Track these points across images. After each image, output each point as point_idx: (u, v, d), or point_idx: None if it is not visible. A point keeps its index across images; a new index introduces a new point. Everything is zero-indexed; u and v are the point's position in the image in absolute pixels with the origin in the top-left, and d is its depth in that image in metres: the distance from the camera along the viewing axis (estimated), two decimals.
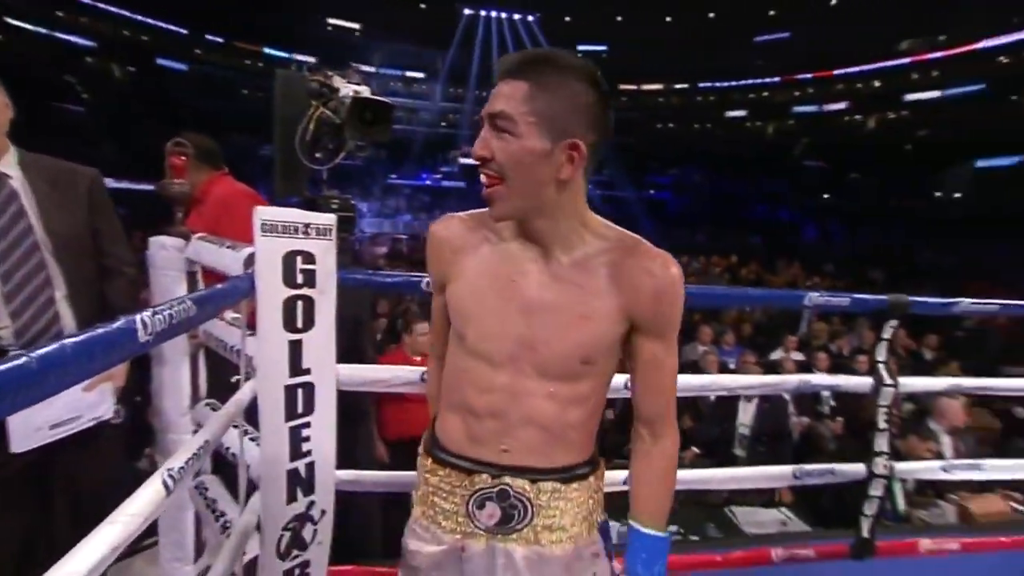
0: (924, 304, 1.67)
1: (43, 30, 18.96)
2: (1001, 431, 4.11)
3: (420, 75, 28.71)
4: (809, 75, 26.29)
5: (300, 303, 1.18)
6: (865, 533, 1.68)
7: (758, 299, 1.58)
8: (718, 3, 24.52)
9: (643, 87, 29.31)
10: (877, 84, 25.12)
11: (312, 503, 1.25)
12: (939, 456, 2.99)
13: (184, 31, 23.52)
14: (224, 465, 1.52)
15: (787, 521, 2.69)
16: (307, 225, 1.18)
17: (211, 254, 1.43)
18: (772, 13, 24.89)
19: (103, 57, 20.90)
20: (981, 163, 19.95)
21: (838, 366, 4.90)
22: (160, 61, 22.98)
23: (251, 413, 1.23)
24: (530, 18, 27.27)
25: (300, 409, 1.20)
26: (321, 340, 1.23)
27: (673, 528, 2.53)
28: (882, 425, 1.61)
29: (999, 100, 20.90)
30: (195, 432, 1.42)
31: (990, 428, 4.04)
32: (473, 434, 0.86)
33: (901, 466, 1.71)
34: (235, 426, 1.29)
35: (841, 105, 26.06)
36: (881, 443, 1.62)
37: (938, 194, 20.62)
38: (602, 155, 0.83)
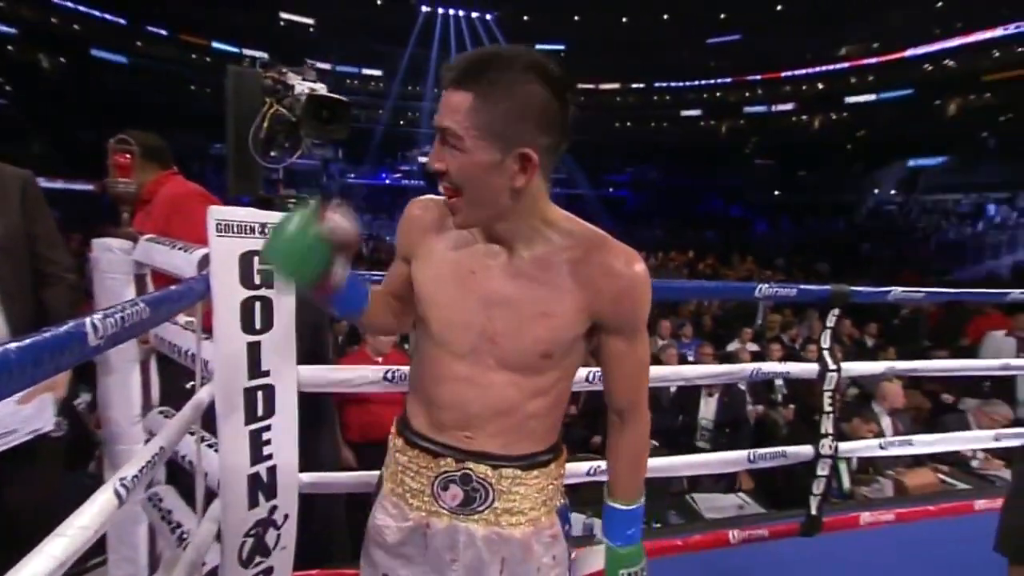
0: (861, 293, 1.78)
1: None
2: (931, 410, 4.44)
3: (377, 72, 28.21)
4: (758, 76, 27.35)
5: (258, 304, 1.15)
6: (813, 511, 1.78)
7: (713, 291, 1.65)
8: (672, 5, 25.16)
9: (601, 86, 29.77)
10: (820, 86, 26.41)
11: (275, 507, 1.23)
12: (880, 435, 3.20)
13: (123, 21, 22.25)
14: (180, 474, 1.47)
15: (744, 505, 2.79)
16: (263, 225, 1.15)
17: (162, 256, 1.37)
18: (723, 16, 25.75)
19: (28, 46, 19.48)
20: (912, 162, 21.32)
21: (790, 355, 5.13)
22: (96, 52, 21.67)
23: (208, 419, 1.19)
24: (488, 17, 27.24)
25: (260, 412, 1.18)
26: (280, 341, 1.20)
27: None
28: (827, 408, 1.71)
29: (925, 104, 22.43)
30: (147, 441, 1.37)
31: (922, 407, 4.35)
32: (437, 421, 0.88)
33: (844, 445, 1.83)
34: (191, 433, 1.26)
35: (788, 106, 27.28)
36: (827, 425, 1.72)
37: (876, 191, 21.88)
38: (563, 151, 0.82)
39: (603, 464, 1.56)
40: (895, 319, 7.01)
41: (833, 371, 1.70)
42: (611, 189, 27.16)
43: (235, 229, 1.10)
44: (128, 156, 1.53)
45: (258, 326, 1.16)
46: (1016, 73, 19.55)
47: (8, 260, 1.40)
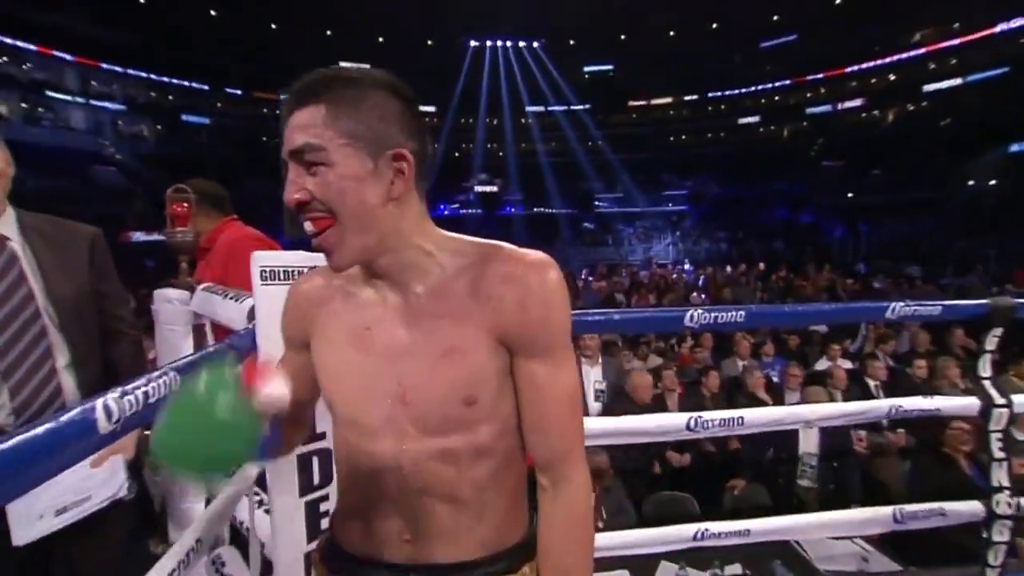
0: None
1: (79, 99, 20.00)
2: None
3: (431, 108, 29.33)
4: (820, 75, 25.97)
5: None
6: None
7: (833, 314, 1.39)
8: (720, 13, 24.54)
9: (652, 102, 29.35)
10: (892, 78, 24.65)
11: None
12: None
13: (206, 87, 24.63)
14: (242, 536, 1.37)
15: (867, 556, 2.37)
16: (315, 268, 1.04)
17: (216, 305, 1.30)
18: (776, 18, 24.79)
19: (133, 118, 22.04)
20: (1015, 147, 19.22)
21: (896, 374, 4.56)
22: (185, 117, 24.11)
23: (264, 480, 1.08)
24: (535, 44, 27.72)
25: (316, 480, 1.05)
26: None
27: (736, 568, 2.27)
28: (998, 454, 1.37)
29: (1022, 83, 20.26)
30: (208, 500, 1.28)
31: None
32: (369, 526, 0.72)
33: None
34: (247, 495, 1.14)
35: (856, 102, 25.61)
36: (1000, 476, 1.37)
37: (971, 183, 19.87)
38: (430, 165, 0.73)
39: (711, 527, 1.32)
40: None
41: (1002, 407, 1.36)
42: (671, 205, 26.42)
43: (282, 276, 0.99)
44: (185, 205, 1.49)
45: None
46: None
47: (78, 322, 1.37)
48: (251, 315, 1.03)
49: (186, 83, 23.95)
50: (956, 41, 22.42)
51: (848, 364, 4.78)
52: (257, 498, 1.13)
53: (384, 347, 0.70)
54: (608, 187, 26.55)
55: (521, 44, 27.85)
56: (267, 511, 1.14)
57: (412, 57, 27.07)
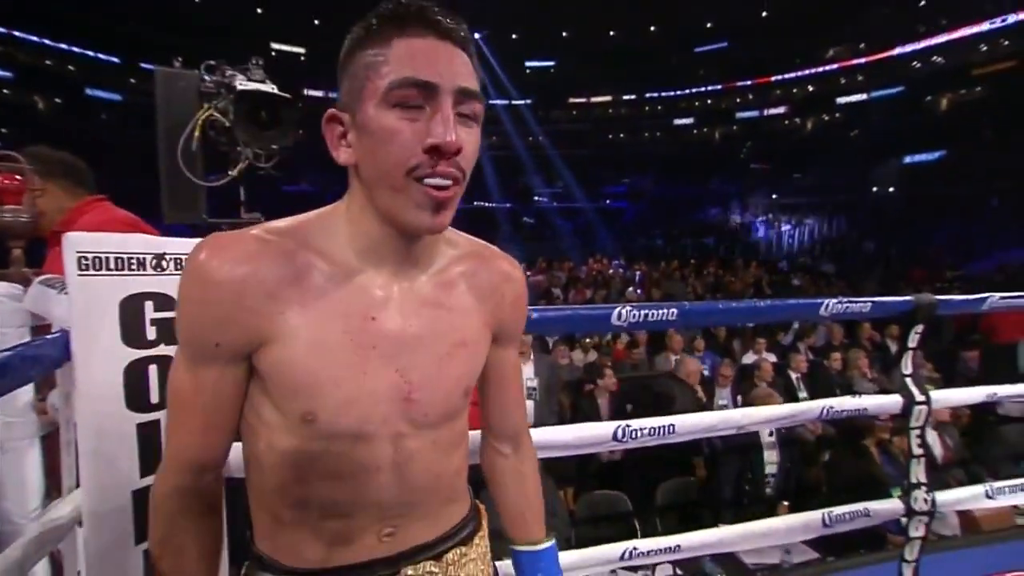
0: (952, 303, 1.45)
1: None
2: (970, 419, 4.06)
3: None
4: (749, 82, 27.39)
5: (154, 368, 0.82)
6: None
7: (770, 312, 1.37)
8: (659, 16, 25.26)
9: (592, 99, 29.83)
10: (810, 88, 26.42)
11: None
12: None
13: (117, 60, 22.35)
14: None
15: (789, 548, 2.41)
16: (160, 256, 0.82)
17: (50, 302, 1.04)
18: (709, 25, 25.85)
19: (24, 89, 19.65)
20: (908, 159, 21.20)
21: (814, 366, 4.79)
22: (90, 92, 21.77)
23: None
24: (477, 35, 27.39)
25: None
26: None
27: (668, 569, 2.24)
28: (917, 451, 1.37)
29: (916, 100, 22.43)
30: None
31: (961, 416, 3.97)
32: (339, 537, 0.66)
33: (943, 497, 1.47)
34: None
35: (780, 109, 27.25)
36: (918, 473, 1.37)
37: (874, 189, 21.69)
38: None
39: (640, 545, 1.23)
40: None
41: (921, 403, 1.36)
42: (608, 201, 27.01)
43: (111, 264, 0.77)
44: (18, 178, 1.21)
45: (155, 399, 0.82)
46: (1006, 66, 19.53)
47: None
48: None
49: (90, 54, 21.60)
50: (863, 60, 24.39)
51: (772, 357, 4.98)
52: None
53: (391, 339, 0.63)
54: (547, 182, 26.73)
55: None
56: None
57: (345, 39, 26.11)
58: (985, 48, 20.79)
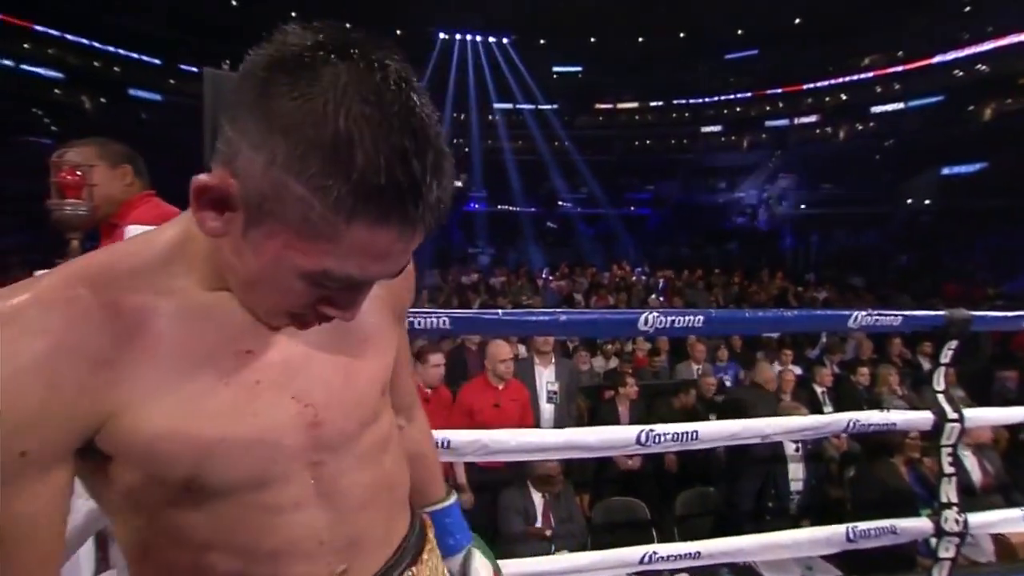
0: (987, 319, 1.42)
1: (8, 62, 18.61)
2: (1009, 442, 3.92)
3: None
4: (779, 90, 26.95)
5: None
6: None
7: (796, 322, 1.36)
8: (688, 23, 25.05)
9: (619, 106, 29.72)
10: (844, 97, 25.84)
11: None
12: (964, 475, 2.77)
13: (157, 62, 23.25)
14: None
15: (811, 564, 2.37)
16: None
17: None
18: (740, 32, 25.52)
19: (72, 89, 20.51)
20: (946, 170, 20.56)
21: (840, 380, 4.69)
22: (133, 92, 22.68)
23: None
24: (505, 40, 27.55)
25: None
26: None
27: None
28: (948, 469, 1.34)
29: (957, 110, 21.74)
30: None
31: (999, 439, 3.83)
32: None
33: (975, 518, 1.43)
34: None
35: (811, 118, 26.73)
36: (949, 492, 1.35)
37: (909, 200, 21.08)
38: None
39: (660, 550, 1.24)
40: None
41: (953, 421, 1.34)
42: (632, 208, 26.84)
43: None
44: (79, 173, 1.29)
45: None
46: None
47: None
48: None
49: (135, 55, 22.43)
50: (900, 68, 23.77)
51: (798, 370, 4.89)
52: None
53: (276, 366, 0.54)
54: (572, 188, 26.70)
55: (491, 39, 27.63)
56: None
57: None
58: None
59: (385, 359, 0.64)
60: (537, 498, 2.57)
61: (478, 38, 27.57)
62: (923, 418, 1.42)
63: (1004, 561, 1.85)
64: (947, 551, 1.38)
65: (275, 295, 0.49)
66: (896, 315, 1.31)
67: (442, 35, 27.29)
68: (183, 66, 22.81)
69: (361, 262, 0.45)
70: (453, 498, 0.86)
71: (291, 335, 0.55)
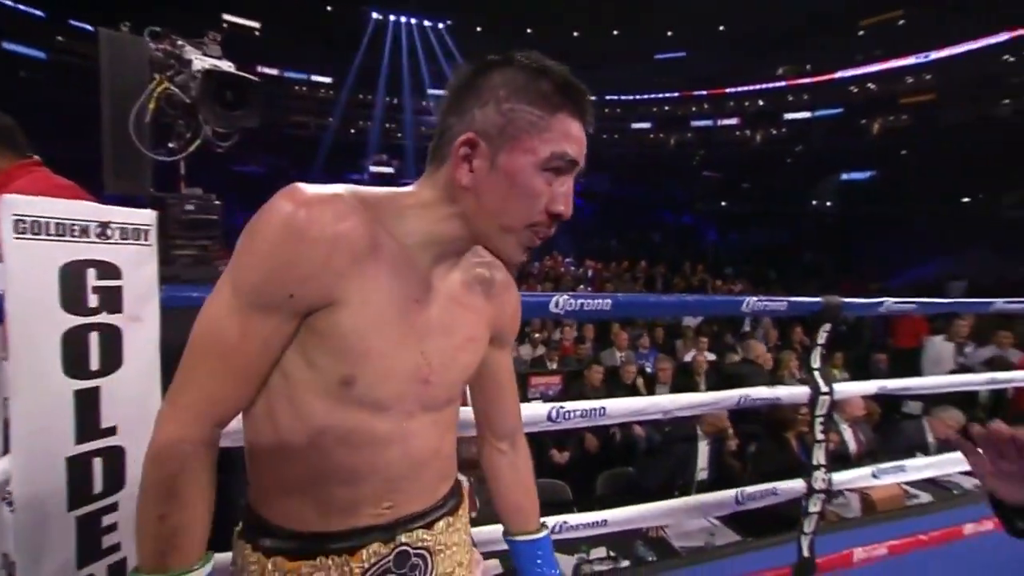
0: (853, 305, 1.61)
1: None
2: (880, 414, 4.49)
3: (327, 79, 27.36)
4: (704, 92, 28.40)
5: (94, 336, 0.82)
6: (806, 552, 1.58)
7: (697, 306, 1.49)
8: (622, 21, 25.78)
9: None
10: (761, 103, 27.72)
11: None
12: (842, 447, 3.14)
13: (41, 14, 20.49)
14: None
15: (714, 531, 2.59)
16: (105, 224, 0.82)
17: None
18: (669, 33, 26.61)
19: None
20: (845, 176, 22.71)
21: (748, 364, 5.09)
22: (8, 46, 19.88)
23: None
24: (440, 25, 27.03)
25: (98, 488, 0.84)
26: (133, 386, 0.87)
27: (601, 551, 2.36)
28: (819, 436, 1.52)
29: (853, 122, 24.08)
30: None
31: (872, 413, 4.36)
32: (340, 505, 0.69)
33: (838, 477, 1.65)
34: None
35: (733, 120, 28.44)
36: (819, 456, 1.53)
37: (814, 202, 23.06)
38: None
39: (570, 519, 1.32)
40: (843, 324, 7.21)
41: (825, 394, 1.52)
42: None
43: (51, 229, 0.77)
44: None
45: (95, 366, 0.82)
46: (927, 98, 21.32)
47: None
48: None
49: (10, 3, 19.59)
50: (808, 80, 25.87)
51: (711, 356, 5.27)
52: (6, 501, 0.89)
53: (425, 324, 0.69)
54: None
55: (426, 23, 27.00)
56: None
57: (307, 21, 25.06)
58: (911, 80, 22.54)
59: (477, 358, 0.78)
60: (463, 482, 2.62)
61: (413, 21, 26.84)
62: (801, 392, 1.60)
63: (866, 515, 2.14)
64: (815, 506, 1.58)
65: (524, 201, 0.65)
66: (781, 301, 1.47)
67: (376, 15, 26.33)
68: (73, 22, 20.37)
69: (568, 144, 0.65)
70: (545, 532, 0.91)
71: (439, 307, 0.71)
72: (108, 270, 0.83)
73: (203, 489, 0.63)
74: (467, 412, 0.93)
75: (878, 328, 7.38)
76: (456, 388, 0.77)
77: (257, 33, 25.46)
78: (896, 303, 1.64)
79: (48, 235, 0.77)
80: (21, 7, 19.78)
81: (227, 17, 24.66)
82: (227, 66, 1.56)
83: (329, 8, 25.89)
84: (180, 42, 1.66)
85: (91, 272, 0.81)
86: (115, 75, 1.53)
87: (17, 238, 0.74)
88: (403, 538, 0.72)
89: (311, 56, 25.88)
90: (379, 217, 0.65)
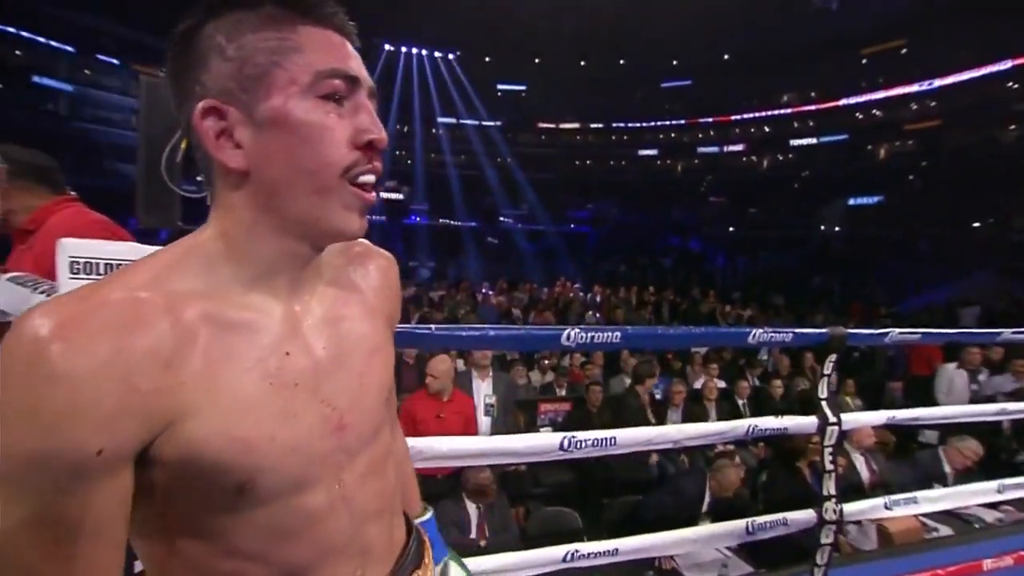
0: (859, 336, 1.64)
1: None
2: (896, 444, 4.44)
3: None
4: (710, 119, 28.79)
5: None
6: None
7: (703, 338, 1.52)
8: (627, 50, 26.35)
9: (561, 125, 30.62)
10: (767, 129, 28.05)
11: None
12: (855, 475, 3.12)
13: (70, 49, 21.38)
14: None
15: (727, 560, 2.56)
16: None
17: (22, 300, 1.07)
18: (675, 62, 27.14)
19: None
20: (852, 200, 22.77)
21: (758, 392, 5.07)
22: (37, 79, 20.69)
23: None
24: (450, 56, 27.78)
25: None
26: None
27: None
28: (829, 467, 1.53)
29: (859, 148, 24.27)
30: None
31: (887, 442, 4.32)
32: None
33: (849, 508, 1.65)
34: None
35: (739, 147, 28.74)
36: (829, 486, 1.54)
37: (822, 227, 23.08)
38: None
39: (581, 548, 1.34)
40: (855, 351, 7.15)
41: (834, 424, 1.54)
42: (572, 225, 27.59)
43: (101, 269, 0.83)
44: None
45: None
46: (932, 124, 21.51)
47: None
48: None
49: (42, 39, 20.33)
50: (812, 107, 26.21)
51: (722, 383, 5.24)
52: None
53: (309, 371, 0.56)
54: (513, 204, 27.09)
55: (436, 54, 27.77)
56: None
57: None
58: (915, 107, 22.78)
59: (389, 370, 0.67)
60: (472, 509, 2.62)
61: (423, 52, 27.62)
62: (809, 422, 1.62)
63: (882, 547, 2.11)
64: (827, 537, 1.57)
65: (316, 144, 0.52)
66: (787, 332, 1.50)
67: (388, 47, 27.14)
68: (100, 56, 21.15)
69: (332, 57, 0.53)
70: (429, 513, 0.85)
71: (316, 341, 0.58)
72: None
73: None
74: (459, 443, 0.96)
75: (896, 355, 7.29)
76: (379, 413, 0.64)
77: None
78: (901, 333, 1.66)
79: (99, 275, 0.83)
80: (53, 43, 20.62)
81: None
82: None
83: None
84: None
85: None
86: (150, 117, 1.62)
87: (72, 278, 0.80)
88: None
89: None
90: (180, 288, 0.51)
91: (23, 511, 0.42)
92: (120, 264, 0.85)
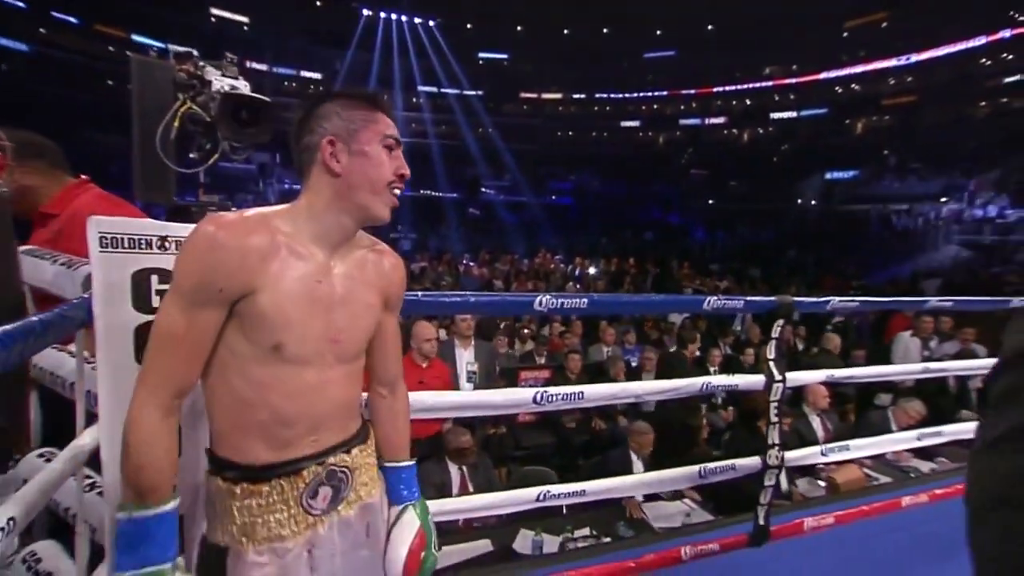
0: (803, 303, 1.82)
1: None
2: (856, 406, 4.77)
3: (316, 75, 27.24)
4: (693, 91, 28.70)
5: None
6: (761, 521, 1.79)
7: (663, 305, 1.66)
8: (611, 19, 26.00)
9: (543, 95, 30.22)
10: (748, 102, 28.11)
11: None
12: (811, 432, 3.39)
13: (23, 5, 20.10)
14: (65, 529, 1.25)
15: (690, 511, 2.81)
16: (164, 238, 0.99)
17: (39, 272, 1.17)
18: (659, 32, 26.87)
19: None
20: (829, 175, 23.15)
21: (728, 360, 5.33)
22: None
23: (99, 462, 1.01)
24: (431, 23, 27.03)
25: None
26: None
27: (585, 531, 2.56)
28: (773, 419, 1.73)
29: (838, 122, 24.53)
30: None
31: (848, 412, 4.65)
32: (283, 441, 0.91)
33: (790, 455, 1.86)
34: (76, 478, 1.06)
35: (720, 119, 28.79)
36: (773, 435, 1.73)
37: (799, 201, 23.50)
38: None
39: (553, 488, 1.51)
40: (829, 322, 7.47)
41: (779, 382, 1.72)
42: (554, 197, 27.55)
43: (126, 244, 0.94)
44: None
45: None
46: (908, 99, 21.80)
47: None
48: (87, 284, 0.96)
49: None
50: (794, 80, 26.30)
51: (697, 352, 5.49)
52: (88, 481, 1.06)
53: (327, 298, 0.91)
54: (495, 175, 26.84)
55: (417, 20, 26.97)
56: (100, 494, 1.07)
57: (296, 15, 24.89)
58: (893, 82, 23.04)
59: (374, 321, 1.02)
60: (454, 471, 2.78)
61: (403, 18, 26.80)
62: (757, 380, 1.81)
63: (829, 495, 2.36)
64: (770, 480, 1.78)
65: (379, 168, 0.93)
66: (739, 299, 1.67)
67: (366, 11, 26.25)
68: (56, 13, 19.99)
69: (390, 128, 0.95)
70: (411, 462, 1.13)
71: (338, 284, 0.93)
72: (166, 275, 1.00)
73: (169, 445, 0.84)
74: (444, 396, 1.10)
75: (861, 323, 7.64)
76: (361, 344, 1.00)
77: (245, 28, 25.26)
78: (840, 301, 1.85)
79: (123, 248, 0.93)
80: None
81: (214, 11, 24.45)
82: (243, 87, 1.72)
83: (318, 3, 25.78)
84: (202, 63, 1.81)
85: (154, 278, 0.98)
86: (144, 97, 1.68)
87: (101, 251, 0.90)
88: (331, 460, 0.95)
89: (299, 52, 25.77)
90: (278, 227, 0.89)
91: (177, 308, 0.82)
92: (141, 238, 0.96)
